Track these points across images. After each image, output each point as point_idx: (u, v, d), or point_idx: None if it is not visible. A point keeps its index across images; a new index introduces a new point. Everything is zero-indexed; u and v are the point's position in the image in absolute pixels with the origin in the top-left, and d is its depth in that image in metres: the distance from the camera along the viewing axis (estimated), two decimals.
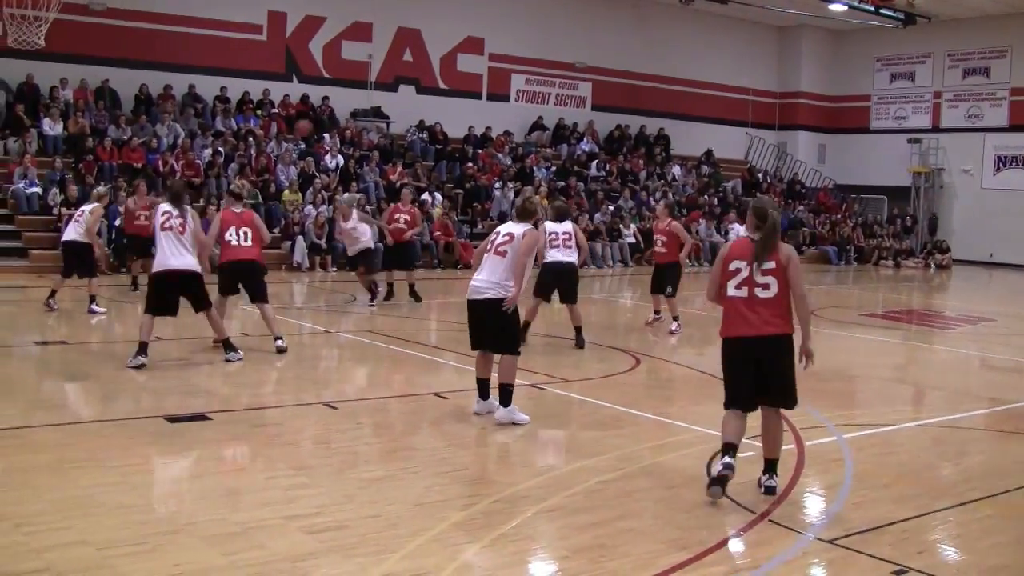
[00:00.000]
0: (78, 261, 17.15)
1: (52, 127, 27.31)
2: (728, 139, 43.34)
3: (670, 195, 33.42)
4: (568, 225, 15.20)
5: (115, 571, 6.00)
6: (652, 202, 35.47)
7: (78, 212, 17.41)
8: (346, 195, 24.00)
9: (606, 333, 17.65)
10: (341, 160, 30.49)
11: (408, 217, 19.68)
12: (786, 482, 8.23)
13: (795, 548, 6.88)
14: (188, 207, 12.95)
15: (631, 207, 34.58)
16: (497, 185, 32.37)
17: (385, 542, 6.60)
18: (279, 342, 13.84)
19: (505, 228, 10.38)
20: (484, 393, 10.41)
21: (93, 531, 6.60)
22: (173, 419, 9.72)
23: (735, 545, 6.98)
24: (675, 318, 17.21)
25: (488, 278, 10.11)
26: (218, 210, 17.90)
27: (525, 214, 10.54)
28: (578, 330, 15.18)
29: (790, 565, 6.61)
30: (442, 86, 36.25)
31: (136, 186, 21.19)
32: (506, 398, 10.13)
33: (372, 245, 19.52)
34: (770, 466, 8.04)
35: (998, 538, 7.40)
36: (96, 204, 17.31)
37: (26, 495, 7.31)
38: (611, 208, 33.92)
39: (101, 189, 18.25)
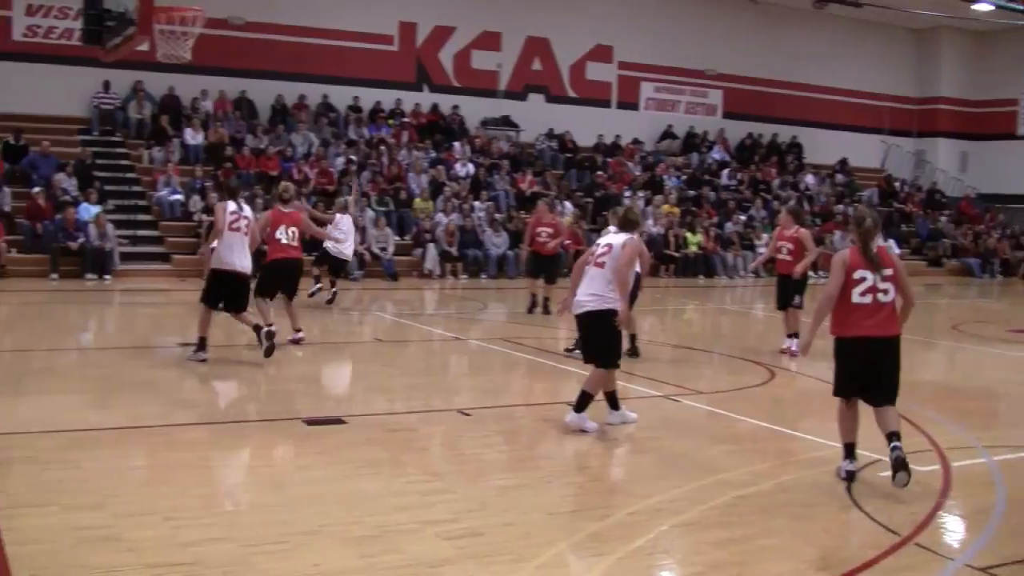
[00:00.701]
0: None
1: (193, 137, 28.00)
2: (863, 147, 42.47)
3: (792, 201, 32.87)
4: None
5: (256, 568, 6.08)
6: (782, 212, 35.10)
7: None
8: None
9: (738, 345, 17.46)
10: (472, 168, 30.70)
11: (551, 229, 19.20)
12: (932, 505, 7.94)
13: (944, 574, 6.62)
14: (247, 205, 13.37)
15: (763, 217, 34.17)
16: (627, 194, 32.25)
17: (520, 551, 6.58)
18: (299, 334, 14.40)
19: (605, 239, 10.35)
20: (614, 404, 10.31)
21: (236, 528, 6.73)
22: (311, 422, 9.83)
23: (880, 568, 6.73)
24: (792, 335, 15.33)
25: (588, 290, 10.02)
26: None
27: (627, 223, 10.40)
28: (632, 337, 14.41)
29: None
30: (571, 94, 36.28)
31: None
32: (582, 405, 9.97)
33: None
34: (894, 436, 8.27)
35: None
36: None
37: (173, 491, 7.46)
38: (742, 218, 33.57)
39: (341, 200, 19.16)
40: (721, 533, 7.14)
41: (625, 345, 12.41)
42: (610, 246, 10.09)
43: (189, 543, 6.39)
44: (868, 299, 8.40)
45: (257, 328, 12.79)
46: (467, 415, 10.57)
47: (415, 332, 16.96)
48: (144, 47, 17.21)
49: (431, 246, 26.75)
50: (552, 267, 19.35)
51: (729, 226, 32.71)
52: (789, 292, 15.72)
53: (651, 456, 9.41)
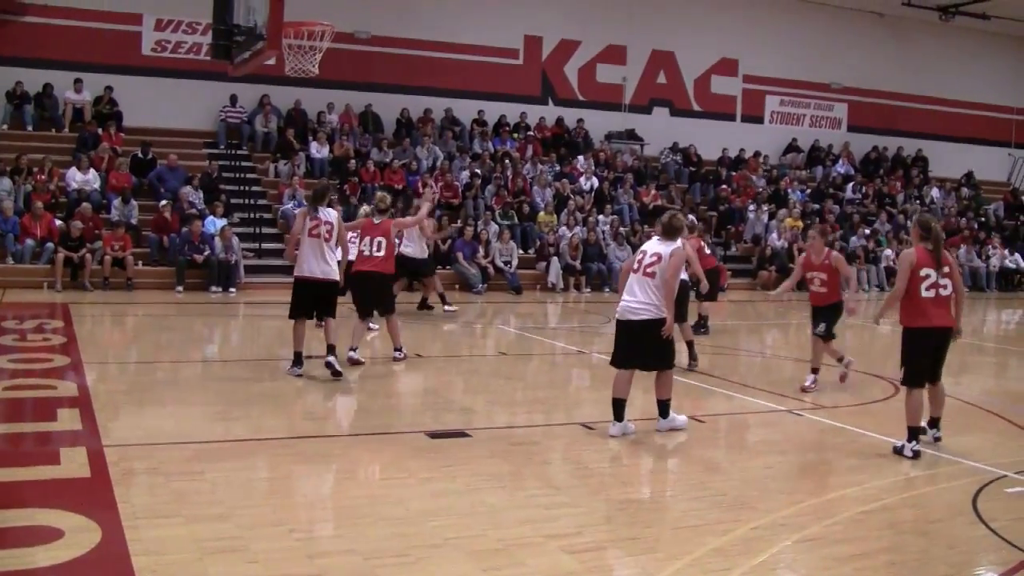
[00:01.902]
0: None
1: (319, 150, 28.42)
2: (990, 160, 41.73)
3: (821, 218, 32.31)
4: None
5: None
6: (910, 224, 34.55)
7: None
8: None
9: (862, 359, 17.25)
10: (596, 182, 30.73)
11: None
12: None
13: None
14: (331, 211, 13.16)
15: (888, 230, 33.72)
16: (751, 207, 32.03)
17: (644, 565, 6.61)
18: (399, 353, 14.28)
19: (652, 248, 10.38)
20: (620, 415, 10.38)
21: (361, 541, 6.82)
22: (434, 435, 9.96)
23: None
24: (814, 370, 13.58)
25: (641, 299, 10.18)
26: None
27: (671, 231, 10.44)
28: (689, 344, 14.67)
29: None
30: (696, 108, 36.17)
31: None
32: (665, 411, 10.50)
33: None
34: (936, 423, 10.43)
35: None
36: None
37: (298, 502, 7.62)
38: (867, 231, 33.14)
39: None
40: (846, 548, 7.11)
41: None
42: (659, 255, 10.23)
43: (314, 555, 6.53)
44: (932, 293, 9.84)
45: (330, 348, 12.84)
46: (590, 428, 10.61)
47: (538, 346, 17.05)
48: (271, 61, 17.50)
49: (555, 259, 26.82)
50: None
51: (854, 240, 32.30)
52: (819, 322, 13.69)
53: (774, 471, 9.37)
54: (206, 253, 23.39)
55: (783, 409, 11.84)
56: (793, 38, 37.50)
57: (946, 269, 9.90)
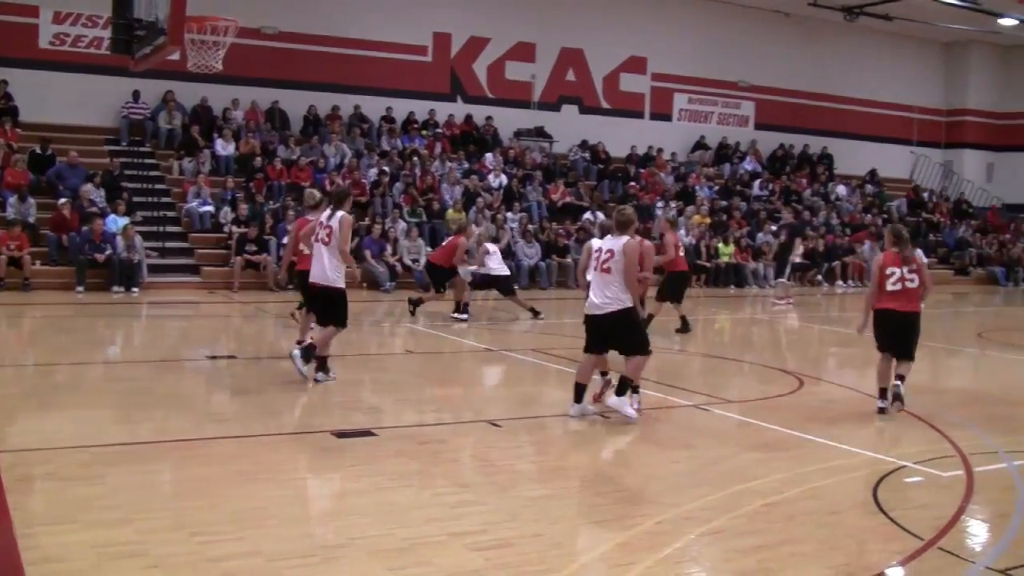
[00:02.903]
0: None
1: (224, 147, 28.16)
2: (893, 158, 42.66)
3: (728, 215, 33.02)
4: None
5: None
6: (816, 221, 35.07)
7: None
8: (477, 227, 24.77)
9: (768, 354, 17.49)
10: (505, 179, 30.76)
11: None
12: (954, 510, 8.03)
13: None
14: (336, 213, 12.69)
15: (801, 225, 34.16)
16: (659, 204, 32.26)
17: (550, 561, 6.62)
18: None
19: (606, 244, 10.73)
20: (579, 398, 10.99)
21: (265, 542, 6.75)
22: (340, 434, 9.90)
23: (903, 572, 6.83)
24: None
25: (605, 295, 10.69)
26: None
27: (622, 225, 10.81)
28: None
29: None
30: (605, 105, 36.36)
31: None
32: (623, 389, 10.88)
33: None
34: (901, 377, 11.83)
35: None
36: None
37: (201, 505, 7.51)
38: (774, 228, 33.50)
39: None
40: (749, 541, 7.19)
41: None
42: (612, 251, 10.62)
43: (217, 558, 6.44)
44: (899, 286, 11.78)
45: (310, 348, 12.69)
46: (497, 426, 10.62)
47: (447, 344, 17.01)
48: (175, 56, 17.24)
49: None
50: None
51: (760, 236, 32.67)
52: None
53: (680, 465, 9.44)
54: (107, 252, 22.93)
55: (690, 404, 11.94)
56: (701, 37, 37.86)
57: (914, 266, 11.90)
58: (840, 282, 32.99)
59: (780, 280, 26.67)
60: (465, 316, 19.48)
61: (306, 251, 13.41)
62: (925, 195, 41.75)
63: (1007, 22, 36.59)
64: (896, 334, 11.90)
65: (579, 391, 11.02)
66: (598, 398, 11.51)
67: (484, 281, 20.85)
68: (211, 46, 16.27)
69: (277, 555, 6.51)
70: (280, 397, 11.94)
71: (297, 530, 7.05)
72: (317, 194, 14.53)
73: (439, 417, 11.38)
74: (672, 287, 18.25)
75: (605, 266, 10.64)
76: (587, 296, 10.99)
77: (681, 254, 18.51)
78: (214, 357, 14.57)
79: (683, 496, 8.23)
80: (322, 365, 12.64)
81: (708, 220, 31.81)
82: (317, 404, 11.61)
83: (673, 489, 8.49)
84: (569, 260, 28.26)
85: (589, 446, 10.06)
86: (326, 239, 12.48)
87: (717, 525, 7.48)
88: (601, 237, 11.04)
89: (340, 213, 12.61)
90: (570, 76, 35.61)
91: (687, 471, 9.25)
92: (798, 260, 31.36)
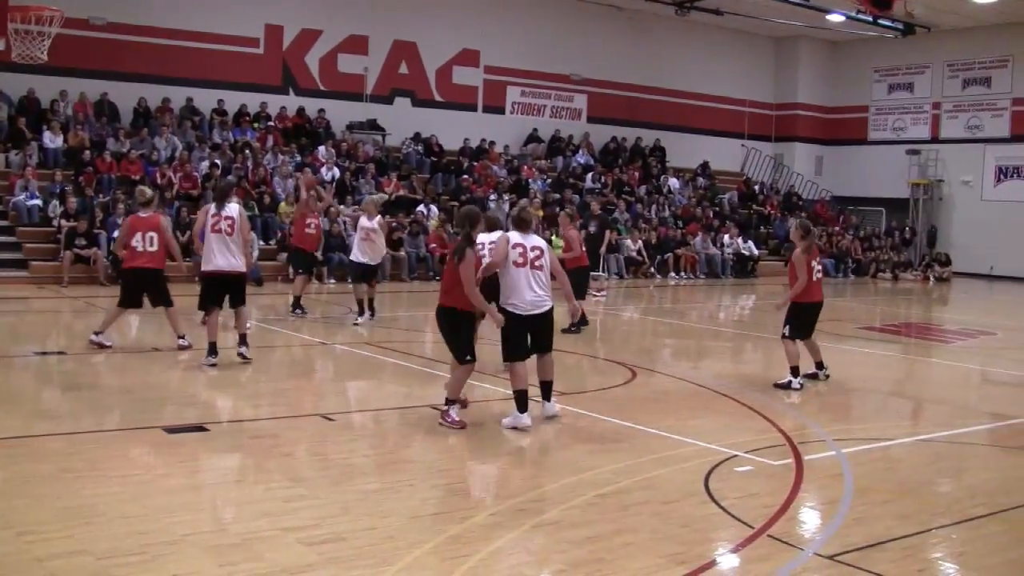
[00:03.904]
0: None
1: (52, 140, 27.37)
2: (724, 151, 43.38)
3: (561, 207, 33.30)
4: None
5: None
6: (648, 214, 35.58)
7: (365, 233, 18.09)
8: (375, 195, 24.11)
9: (602, 346, 17.68)
10: (337, 172, 30.50)
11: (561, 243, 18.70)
12: (785, 497, 8.24)
13: (794, 564, 6.86)
14: (234, 206, 13.60)
15: (626, 219, 34.58)
16: (492, 197, 32.35)
17: (383, 554, 6.61)
18: (183, 340, 14.54)
19: (530, 242, 10.65)
20: (526, 405, 10.59)
21: (94, 540, 6.62)
22: (171, 430, 9.75)
23: (734, 560, 6.98)
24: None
25: (544, 292, 10.68)
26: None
27: (523, 223, 10.84)
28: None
29: None
30: (438, 98, 36.29)
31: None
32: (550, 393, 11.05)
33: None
34: (821, 364, 14.18)
35: (1005, 555, 7.34)
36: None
37: (28, 504, 7.33)
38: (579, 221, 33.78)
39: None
40: (582, 531, 7.26)
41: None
42: (540, 249, 10.71)
43: (44, 558, 6.30)
44: (819, 276, 13.83)
45: (241, 338, 13.81)
46: (331, 420, 10.56)
47: (280, 338, 16.83)
48: None
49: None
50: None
51: (592, 228, 32.92)
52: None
53: (514, 457, 9.51)
54: None
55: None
56: (534, 30, 38.03)
57: (819, 258, 13.86)
58: (673, 274, 33.50)
59: (594, 272, 26.91)
60: (299, 312, 19.15)
61: (139, 249, 14.02)
62: (756, 188, 42.61)
63: (835, 18, 37.57)
64: (815, 321, 14.08)
65: (523, 398, 10.54)
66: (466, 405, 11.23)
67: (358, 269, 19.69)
68: (36, 36, 15.86)
69: (106, 553, 6.39)
70: (111, 393, 11.72)
71: (127, 528, 6.91)
72: (148, 191, 14.63)
73: (272, 412, 11.23)
74: (580, 284, 18.03)
75: (538, 263, 10.61)
76: (509, 297, 10.63)
77: (584, 249, 18.49)
78: (43, 353, 14.19)
79: (516, 488, 8.29)
80: (213, 349, 13.42)
81: (541, 213, 31.99)
82: (149, 400, 11.36)
83: (507, 481, 8.54)
84: (403, 253, 28.18)
85: (423, 439, 10.04)
86: (229, 230, 13.30)
87: (550, 516, 7.54)
88: (523, 232, 10.81)
89: (233, 204, 13.53)
90: (403, 69, 35.46)
91: (521, 463, 9.33)
92: (632, 252, 31.84)
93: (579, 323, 17.65)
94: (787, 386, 13.34)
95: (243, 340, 13.72)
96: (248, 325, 14.24)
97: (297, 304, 19.08)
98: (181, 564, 6.31)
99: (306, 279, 19.85)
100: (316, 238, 20.12)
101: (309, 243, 19.72)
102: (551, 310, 10.72)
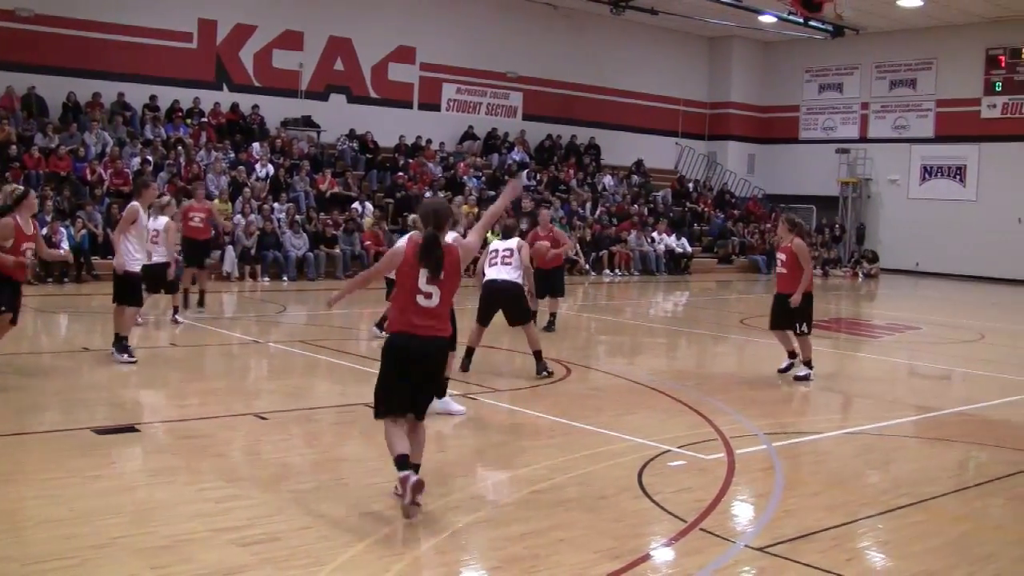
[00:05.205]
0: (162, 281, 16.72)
1: None
2: (659, 149, 43.65)
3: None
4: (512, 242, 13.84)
5: None
6: (582, 211, 35.64)
7: (153, 233, 15.88)
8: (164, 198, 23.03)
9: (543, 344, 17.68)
10: (271, 169, 30.31)
11: (547, 242, 18.16)
12: (716, 491, 8.30)
13: (726, 556, 6.93)
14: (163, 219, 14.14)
15: (561, 216, 34.62)
16: (428, 195, 32.24)
17: (317, 554, 6.57)
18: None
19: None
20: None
21: (19, 546, 6.53)
22: (101, 431, 9.61)
23: (667, 554, 7.02)
24: (805, 362, 14.31)
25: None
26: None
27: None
28: (537, 355, 13.71)
29: (721, 573, 6.66)
30: (373, 95, 36.16)
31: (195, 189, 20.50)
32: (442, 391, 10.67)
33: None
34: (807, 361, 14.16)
35: (927, 543, 7.48)
36: (168, 219, 16.63)
37: None
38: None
39: (164, 199, 17.13)
40: (517, 528, 7.28)
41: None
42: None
43: None
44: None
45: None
46: (264, 419, 10.49)
47: (213, 336, 16.70)
48: None
49: (229, 248, 26.32)
50: (551, 282, 18.51)
51: (525, 226, 32.94)
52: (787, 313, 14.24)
53: (449, 454, 9.49)
54: None
55: (458, 394, 11.96)
56: (470, 27, 38.00)
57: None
58: (607, 271, 33.60)
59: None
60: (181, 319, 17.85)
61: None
62: (690, 185, 42.98)
63: (767, 19, 37.98)
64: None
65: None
66: None
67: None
68: None
69: (33, 559, 6.29)
70: (39, 394, 11.52)
71: (55, 532, 6.81)
72: (20, 189, 13.75)
73: (205, 411, 11.12)
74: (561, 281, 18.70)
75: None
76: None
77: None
78: None
79: (451, 485, 8.27)
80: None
81: (476, 210, 31.94)
82: (77, 400, 11.23)
83: (441, 478, 8.51)
84: (337, 251, 28.09)
85: (357, 438, 10.01)
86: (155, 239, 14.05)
87: (485, 513, 7.55)
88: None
89: (162, 218, 14.16)
90: (338, 65, 35.30)
91: (455, 460, 9.31)
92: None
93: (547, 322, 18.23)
94: (807, 379, 14.05)
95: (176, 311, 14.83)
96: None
97: (186, 299, 18.75)
98: (111, 568, 6.23)
99: (194, 272, 19.35)
100: (203, 231, 19.33)
101: (195, 235, 19.16)
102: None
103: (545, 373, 13.44)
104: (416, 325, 7.52)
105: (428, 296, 7.53)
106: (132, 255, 13.44)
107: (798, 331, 14.13)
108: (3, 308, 11.73)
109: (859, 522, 7.89)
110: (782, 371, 14.53)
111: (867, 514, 8.09)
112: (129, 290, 13.51)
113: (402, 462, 7.28)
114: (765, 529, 7.55)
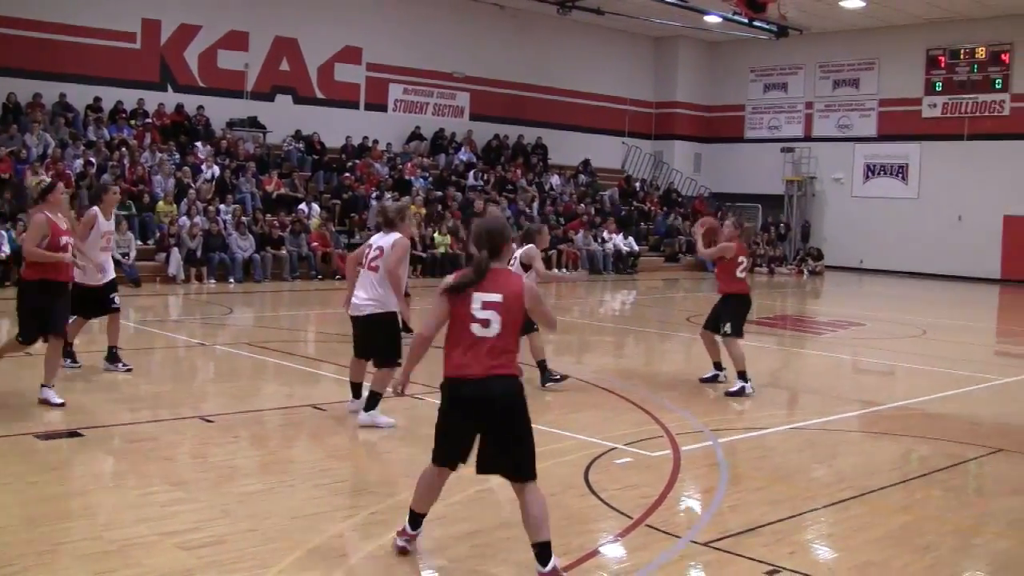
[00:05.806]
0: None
1: None
2: (605, 148, 43.81)
3: (444, 205, 33.60)
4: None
5: None
6: (529, 211, 35.67)
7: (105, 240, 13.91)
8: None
9: None
10: (217, 170, 30.13)
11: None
12: (662, 487, 8.37)
13: (672, 552, 6.99)
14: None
15: (508, 216, 34.63)
16: (375, 195, 32.21)
17: (263, 556, 6.56)
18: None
19: (376, 241, 10.46)
20: (357, 393, 10.82)
21: None
22: (44, 436, 9.54)
23: (613, 550, 7.07)
24: (739, 374, 13.07)
25: (366, 295, 10.32)
26: None
27: (389, 222, 10.57)
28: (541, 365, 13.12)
29: (667, 569, 6.72)
30: (319, 96, 36.03)
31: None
32: (372, 404, 10.35)
33: None
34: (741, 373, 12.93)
35: (868, 535, 7.59)
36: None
37: None
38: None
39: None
40: (463, 527, 7.34)
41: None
42: (381, 248, 10.34)
43: None
44: (744, 274, 13.40)
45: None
46: (210, 422, 10.44)
47: (159, 339, 16.61)
48: None
49: (175, 250, 26.15)
50: None
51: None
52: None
53: (396, 455, 9.50)
54: None
55: (407, 395, 11.95)
56: (417, 27, 37.90)
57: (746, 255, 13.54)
58: (556, 270, 33.63)
59: None
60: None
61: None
62: (636, 185, 43.14)
63: (712, 19, 38.20)
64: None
65: (354, 389, 10.92)
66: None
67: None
68: None
69: None
70: None
71: None
72: (35, 180, 13.61)
73: (150, 415, 11.06)
74: None
75: (373, 264, 10.41)
76: None
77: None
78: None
79: (398, 486, 8.27)
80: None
81: (423, 210, 31.95)
82: (19, 406, 11.09)
83: (389, 479, 8.53)
84: (284, 252, 27.99)
85: (305, 440, 10.00)
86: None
87: (433, 513, 7.51)
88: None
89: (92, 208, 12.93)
90: (284, 66, 35.13)
91: (403, 461, 9.31)
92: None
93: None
94: (740, 393, 12.75)
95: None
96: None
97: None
98: (55, 574, 6.20)
99: None
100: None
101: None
102: (372, 316, 10.33)
103: (558, 378, 13.12)
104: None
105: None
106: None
107: (721, 331, 13.17)
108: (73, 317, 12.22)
109: (803, 515, 8.00)
110: (704, 380, 13.80)
111: (811, 507, 8.20)
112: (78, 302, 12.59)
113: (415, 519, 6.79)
114: (710, 524, 7.63)
